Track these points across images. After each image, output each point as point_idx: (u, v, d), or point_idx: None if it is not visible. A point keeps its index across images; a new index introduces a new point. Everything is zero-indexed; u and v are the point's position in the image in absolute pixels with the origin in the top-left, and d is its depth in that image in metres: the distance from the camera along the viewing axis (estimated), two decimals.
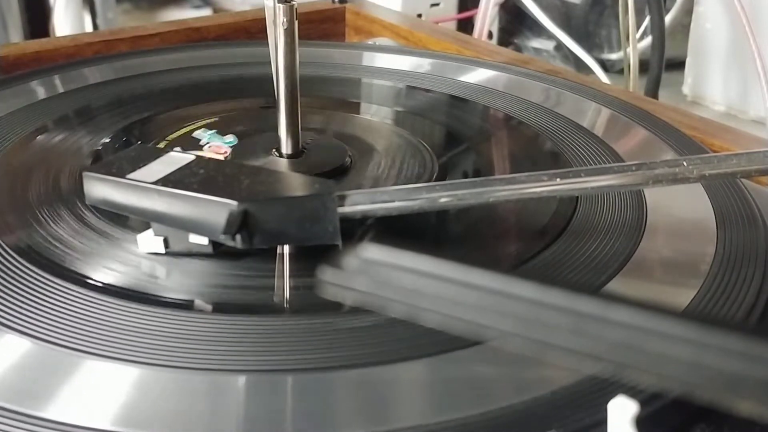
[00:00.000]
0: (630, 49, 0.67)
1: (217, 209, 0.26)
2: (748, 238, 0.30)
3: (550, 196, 0.29)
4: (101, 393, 0.21)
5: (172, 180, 0.27)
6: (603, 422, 0.20)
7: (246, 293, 0.27)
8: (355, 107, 0.44)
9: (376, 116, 0.43)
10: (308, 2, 0.64)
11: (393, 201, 0.27)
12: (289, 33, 0.32)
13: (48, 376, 0.22)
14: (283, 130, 0.34)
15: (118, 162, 0.29)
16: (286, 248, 0.29)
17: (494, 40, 0.82)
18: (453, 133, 0.41)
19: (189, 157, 0.29)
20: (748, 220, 0.31)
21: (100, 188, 0.28)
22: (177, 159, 0.29)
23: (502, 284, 0.15)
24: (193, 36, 0.57)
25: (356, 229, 0.30)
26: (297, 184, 0.29)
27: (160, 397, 0.21)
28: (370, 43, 0.59)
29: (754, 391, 0.13)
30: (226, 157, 0.35)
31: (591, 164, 0.36)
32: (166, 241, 0.28)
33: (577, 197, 0.32)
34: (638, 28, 0.71)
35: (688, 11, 0.75)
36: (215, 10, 1.07)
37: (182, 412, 0.21)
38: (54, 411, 0.21)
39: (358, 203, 0.27)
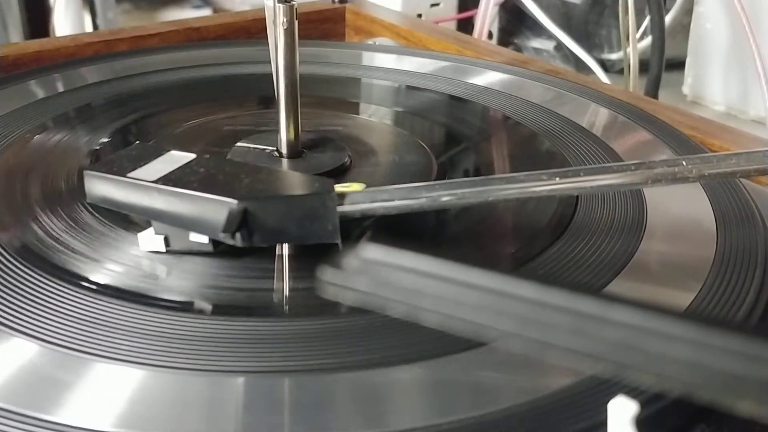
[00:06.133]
0: (630, 49, 0.67)
1: (217, 207, 0.26)
2: (747, 238, 0.30)
3: (550, 196, 0.29)
4: (100, 394, 0.21)
5: (172, 178, 0.27)
6: (603, 422, 0.20)
7: (246, 294, 0.27)
8: (355, 107, 0.44)
9: (375, 116, 0.43)
10: (308, 2, 0.64)
11: (393, 200, 0.27)
12: (289, 33, 0.32)
13: (47, 378, 0.22)
14: (283, 130, 0.34)
15: (118, 160, 0.29)
16: (286, 248, 0.29)
17: (494, 40, 0.82)
18: (453, 133, 0.41)
19: (189, 155, 0.29)
20: (747, 221, 0.31)
21: (100, 186, 0.28)
22: (177, 157, 0.29)
23: (503, 284, 0.15)
24: (193, 36, 0.57)
25: (356, 229, 0.30)
26: (297, 183, 0.29)
27: (158, 398, 0.21)
28: (370, 43, 0.59)
29: (754, 391, 0.13)
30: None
31: (590, 164, 0.36)
32: (166, 240, 0.28)
33: (577, 197, 0.32)
34: (638, 28, 0.71)
35: (688, 11, 0.75)
36: (215, 10, 1.07)
37: (181, 413, 0.21)
38: (51, 412, 0.21)
39: (358, 202, 0.27)
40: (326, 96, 0.44)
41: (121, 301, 0.25)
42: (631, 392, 0.20)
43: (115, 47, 0.53)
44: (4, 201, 0.32)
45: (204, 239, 0.27)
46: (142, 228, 0.28)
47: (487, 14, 0.75)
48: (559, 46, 0.81)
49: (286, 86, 0.33)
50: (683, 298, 0.26)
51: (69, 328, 0.24)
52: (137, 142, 0.32)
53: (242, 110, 0.43)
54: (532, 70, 0.49)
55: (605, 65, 0.79)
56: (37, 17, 0.83)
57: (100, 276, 0.27)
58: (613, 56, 0.80)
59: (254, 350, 0.23)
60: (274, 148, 0.35)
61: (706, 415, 0.22)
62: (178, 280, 0.27)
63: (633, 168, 0.27)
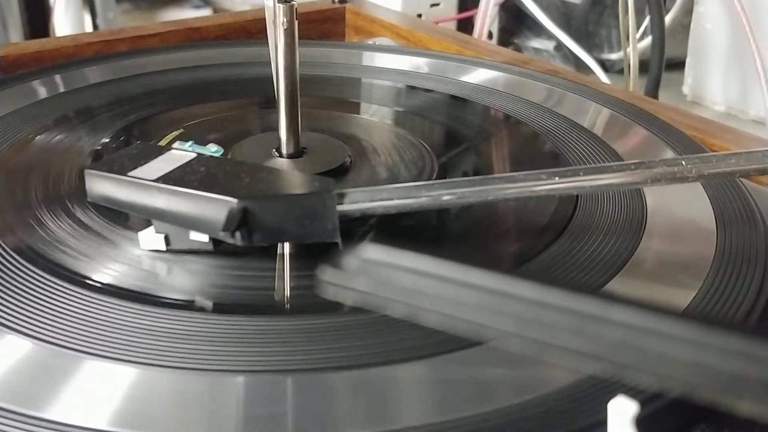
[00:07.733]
0: (630, 49, 0.67)
1: (217, 206, 0.26)
2: (747, 238, 0.30)
3: (550, 195, 0.29)
4: (100, 393, 0.21)
5: (173, 177, 0.27)
6: (603, 422, 0.20)
7: (246, 293, 0.27)
8: (355, 107, 0.44)
9: (376, 116, 0.43)
10: (308, 2, 0.64)
11: (392, 199, 0.27)
12: (289, 33, 0.32)
13: (46, 377, 0.22)
14: (283, 130, 0.34)
15: (119, 159, 0.29)
16: (287, 247, 0.29)
17: (494, 40, 0.82)
18: (453, 133, 0.41)
19: (190, 154, 0.29)
20: (747, 220, 0.31)
21: (101, 185, 0.28)
22: (178, 157, 0.29)
23: (502, 284, 0.15)
24: (193, 36, 0.57)
25: (356, 229, 0.30)
26: (297, 182, 0.29)
27: (159, 398, 0.21)
28: (370, 43, 0.59)
29: (754, 391, 0.13)
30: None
31: (591, 164, 0.36)
32: (167, 239, 0.28)
33: (577, 197, 0.32)
34: (638, 28, 0.71)
35: (688, 11, 0.75)
36: (215, 10, 1.07)
37: (182, 413, 0.21)
38: (52, 411, 0.21)
39: (358, 201, 0.27)
40: (326, 96, 0.44)
41: (121, 300, 0.25)
42: (631, 392, 0.20)
43: (115, 47, 0.53)
44: (5, 201, 0.32)
45: (204, 238, 0.27)
46: (144, 225, 0.28)
47: (487, 14, 0.75)
48: (559, 46, 0.81)
49: (286, 86, 0.33)
50: (683, 298, 0.26)
51: (69, 327, 0.24)
52: (138, 142, 0.32)
53: (242, 110, 0.43)
54: (532, 70, 0.49)
55: (605, 65, 0.79)
56: (37, 17, 0.83)
57: (100, 275, 0.27)
58: (613, 56, 0.80)
59: (255, 349, 0.23)
60: (275, 148, 0.35)
61: (706, 415, 0.22)
62: (179, 279, 0.27)
63: (633, 167, 0.27)
